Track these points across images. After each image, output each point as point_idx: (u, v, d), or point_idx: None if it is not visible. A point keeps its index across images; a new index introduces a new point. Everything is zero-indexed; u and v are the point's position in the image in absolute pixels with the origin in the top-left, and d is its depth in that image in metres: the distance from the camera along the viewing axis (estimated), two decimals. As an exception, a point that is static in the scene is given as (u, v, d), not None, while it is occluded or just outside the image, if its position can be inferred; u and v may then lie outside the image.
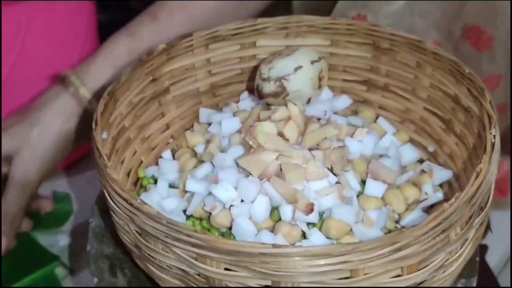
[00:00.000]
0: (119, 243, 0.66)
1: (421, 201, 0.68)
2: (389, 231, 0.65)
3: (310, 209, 0.62)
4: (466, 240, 0.59)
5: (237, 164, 0.66)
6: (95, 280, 0.66)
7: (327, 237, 0.63)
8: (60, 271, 0.80)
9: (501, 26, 0.82)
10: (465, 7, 0.82)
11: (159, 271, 0.61)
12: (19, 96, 0.85)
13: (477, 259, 0.67)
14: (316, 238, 0.63)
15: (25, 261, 0.80)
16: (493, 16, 0.82)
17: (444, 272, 0.58)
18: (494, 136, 0.61)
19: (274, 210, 0.64)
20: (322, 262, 0.53)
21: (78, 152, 0.91)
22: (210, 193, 0.65)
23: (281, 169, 0.65)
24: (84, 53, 0.89)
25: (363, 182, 0.68)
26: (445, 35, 0.69)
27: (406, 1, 0.82)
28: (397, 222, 0.67)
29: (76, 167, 0.91)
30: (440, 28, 0.77)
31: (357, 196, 0.66)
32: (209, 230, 0.65)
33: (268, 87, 0.72)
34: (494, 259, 0.83)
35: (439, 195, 0.68)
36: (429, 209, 0.68)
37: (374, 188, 0.67)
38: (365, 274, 0.55)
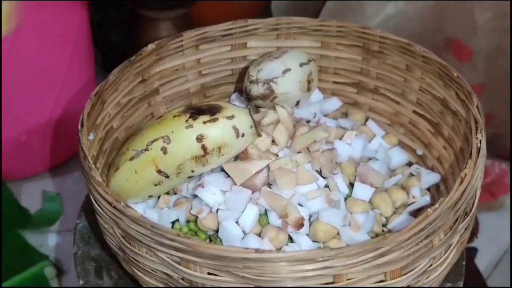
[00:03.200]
0: (105, 245, 0.66)
1: (409, 204, 0.68)
2: (376, 235, 0.65)
3: (300, 224, 0.62)
4: (450, 245, 0.59)
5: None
6: (81, 282, 0.66)
7: (314, 241, 0.63)
8: (49, 271, 0.80)
9: (481, 41, 0.82)
10: (444, 20, 0.83)
11: (143, 275, 0.61)
12: (10, 94, 0.85)
13: (463, 263, 0.67)
14: (303, 241, 0.63)
15: (14, 261, 0.80)
16: (473, 31, 0.82)
17: (428, 277, 0.58)
18: (480, 141, 0.61)
19: (262, 215, 0.64)
20: (304, 267, 0.53)
21: (68, 152, 0.91)
22: (196, 196, 0.65)
23: (269, 177, 0.65)
24: (77, 52, 0.89)
25: (351, 185, 0.68)
26: (428, 47, 0.70)
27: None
28: (384, 225, 0.67)
29: (65, 166, 0.91)
30: (420, 39, 0.78)
31: (345, 199, 0.66)
32: (196, 233, 0.65)
33: (256, 89, 0.71)
34: (484, 261, 0.83)
35: (427, 199, 0.68)
36: (416, 213, 0.68)
37: (362, 191, 0.67)
38: (348, 279, 0.55)
